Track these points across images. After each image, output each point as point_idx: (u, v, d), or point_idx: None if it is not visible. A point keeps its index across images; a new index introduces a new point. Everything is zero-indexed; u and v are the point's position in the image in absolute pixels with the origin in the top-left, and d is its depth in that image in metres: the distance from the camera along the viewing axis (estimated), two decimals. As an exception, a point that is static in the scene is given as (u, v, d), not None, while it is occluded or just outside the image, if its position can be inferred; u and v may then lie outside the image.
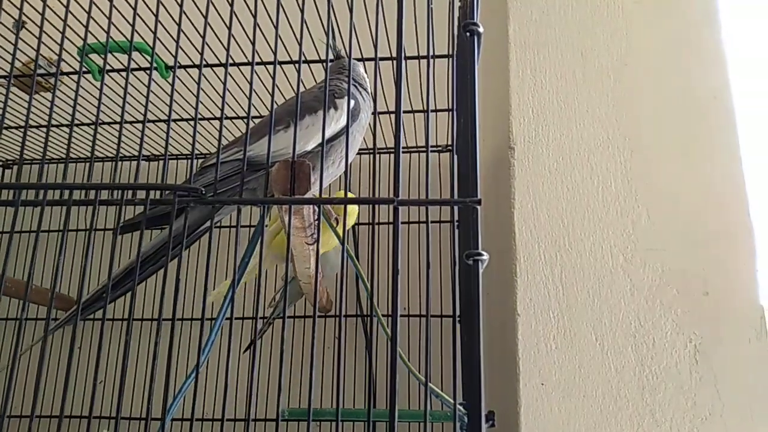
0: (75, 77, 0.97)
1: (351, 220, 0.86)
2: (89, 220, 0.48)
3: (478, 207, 0.40)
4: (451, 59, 0.84)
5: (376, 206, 0.44)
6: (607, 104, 0.96)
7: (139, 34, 0.60)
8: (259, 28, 0.55)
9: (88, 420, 0.45)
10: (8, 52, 0.56)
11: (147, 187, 0.44)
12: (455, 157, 0.44)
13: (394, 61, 0.82)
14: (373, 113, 0.90)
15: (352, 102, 0.71)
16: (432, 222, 0.61)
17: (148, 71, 0.91)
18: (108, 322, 1.09)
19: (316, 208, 0.53)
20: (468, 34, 0.41)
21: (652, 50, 0.99)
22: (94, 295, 0.60)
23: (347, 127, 0.44)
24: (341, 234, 0.67)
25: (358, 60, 0.87)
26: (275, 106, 0.53)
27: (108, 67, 0.64)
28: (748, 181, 0.91)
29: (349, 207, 0.82)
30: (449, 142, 1.22)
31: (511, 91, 0.98)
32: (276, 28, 0.52)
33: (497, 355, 0.96)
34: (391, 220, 0.42)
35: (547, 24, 1.01)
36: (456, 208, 0.42)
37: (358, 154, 1.22)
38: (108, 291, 0.48)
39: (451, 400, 0.60)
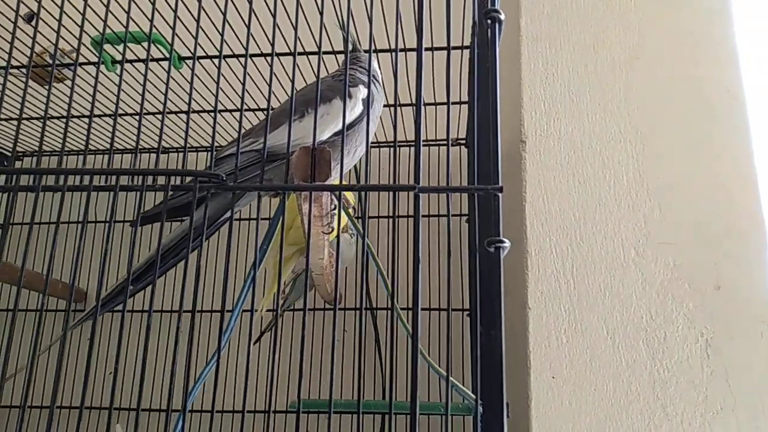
0: (88, 68, 0.97)
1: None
2: (108, 211, 0.48)
3: (500, 194, 0.40)
4: (467, 50, 0.83)
5: (396, 201, 0.44)
6: (619, 98, 0.96)
7: (155, 26, 0.60)
8: (277, 26, 0.55)
9: (109, 411, 0.45)
10: (25, 44, 0.56)
11: (168, 173, 0.44)
12: (475, 145, 0.44)
13: (403, 53, 0.82)
14: (392, 105, 0.90)
15: (366, 91, 0.71)
16: (447, 216, 0.61)
17: (162, 62, 0.92)
18: (128, 314, 1.09)
19: (334, 198, 0.54)
20: (489, 21, 0.41)
21: (665, 43, 0.98)
22: (114, 291, 0.60)
23: (367, 115, 0.44)
24: (357, 222, 0.68)
25: (374, 51, 0.87)
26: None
27: (121, 59, 0.64)
28: (760, 176, 0.91)
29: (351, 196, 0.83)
30: (459, 136, 1.22)
31: (523, 85, 0.98)
32: (295, 26, 0.52)
33: (508, 348, 0.95)
34: (409, 212, 0.42)
35: (559, 17, 1.01)
36: (476, 196, 0.42)
37: (377, 146, 1.22)
38: (128, 286, 0.48)
39: (472, 394, 0.60)
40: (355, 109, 0.67)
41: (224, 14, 0.54)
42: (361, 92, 0.68)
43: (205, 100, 1.08)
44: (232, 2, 0.59)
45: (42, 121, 0.52)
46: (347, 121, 0.66)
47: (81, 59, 0.93)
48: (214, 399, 0.45)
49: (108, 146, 1.27)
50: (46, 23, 0.68)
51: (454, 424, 1.08)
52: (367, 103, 0.48)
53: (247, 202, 0.66)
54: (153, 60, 0.91)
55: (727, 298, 0.86)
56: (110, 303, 0.60)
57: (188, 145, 1.27)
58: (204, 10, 0.56)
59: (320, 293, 0.95)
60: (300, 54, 0.51)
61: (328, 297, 0.96)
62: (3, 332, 1.23)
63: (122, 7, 0.60)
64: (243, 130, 0.59)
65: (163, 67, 0.91)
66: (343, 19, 0.66)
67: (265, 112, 1.02)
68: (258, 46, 0.80)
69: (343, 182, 0.80)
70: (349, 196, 0.81)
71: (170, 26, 0.56)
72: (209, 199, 0.46)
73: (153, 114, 1.14)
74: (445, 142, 1.20)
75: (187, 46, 0.77)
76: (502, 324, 0.39)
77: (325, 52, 0.86)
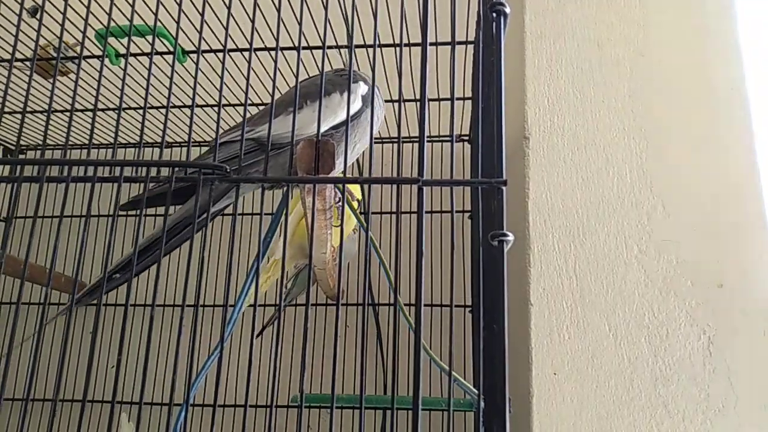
0: (92, 61, 0.98)
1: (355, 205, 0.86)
2: (112, 204, 0.49)
3: (504, 187, 0.40)
4: (471, 45, 0.83)
5: (399, 196, 0.44)
6: (622, 95, 0.96)
7: (160, 20, 0.60)
8: (282, 20, 0.55)
9: (111, 404, 0.45)
10: (29, 37, 0.56)
11: (172, 164, 0.44)
12: (479, 140, 0.44)
13: (407, 48, 0.82)
14: (396, 101, 0.90)
15: (366, 87, 0.71)
16: (451, 211, 0.61)
17: (167, 56, 0.92)
18: (131, 307, 1.09)
19: (338, 191, 0.54)
20: (495, 14, 0.41)
21: (669, 41, 0.98)
22: (118, 266, 0.60)
23: (372, 108, 0.44)
24: (361, 216, 0.68)
25: (378, 46, 0.87)
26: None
27: (125, 52, 0.64)
28: (763, 173, 0.91)
29: (357, 191, 0.82)
30: (461, 133, 1.22)
31: (527, 81, 0.98)
32: (300, 21, 0.52)
33: (510, 344, 0.96)
34: (413, 208, 0.42)
35: (563, 14, 1.01)
36: (479, 190, 0.42)
37: (380, 142, 1.22)
38: (132, 273, 0.49)
39: (474, 389, 0.60)
40: (353, 104, 0.67)
41: (228, 8, 0.54)
42: (361, 88, 0.69)
43: (209, 94, 1.08)
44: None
45: (46, 114, 0.52)
46: (345, 115, 0.67)
47: (85, 52, 0.93)
48: (216, 393, 0.45)
49: (112, 140, 1.28)
50: (50, 16, 0.68)
51: (456, 419, 1.08)
52: (372, 99, 0.48)
53: (243, 192, 0.66)
54: (157, 54, 0.92)
55: (730, 296, 0.86)
56: (113, 283, 0.59)
57: (192, 139, 1.27)
58: (208, 4, 0.56)
59: (322, 288, 0.95)
60: (304, 48, 0.51)
61: (330, 292, 0.96)
62: (6, 325, 1.24)
63: (127, 1, 0.60)
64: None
65: (167, 61, 0.91)
66: (347, 13, 0.66)
67: (271, 106, 1.02)
68: (262, 40, 0.80)
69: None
70: (355, 190, 0.81)
71: (175, 20, 0.56)
72: (213, 189, 0.46)
73: (157, 108, 1.14)
74: (448, 138, 1.20)
75: (191, 40, 0.76)
76: (505, 318, 0.39)
77: (330, 47, 0.86)
